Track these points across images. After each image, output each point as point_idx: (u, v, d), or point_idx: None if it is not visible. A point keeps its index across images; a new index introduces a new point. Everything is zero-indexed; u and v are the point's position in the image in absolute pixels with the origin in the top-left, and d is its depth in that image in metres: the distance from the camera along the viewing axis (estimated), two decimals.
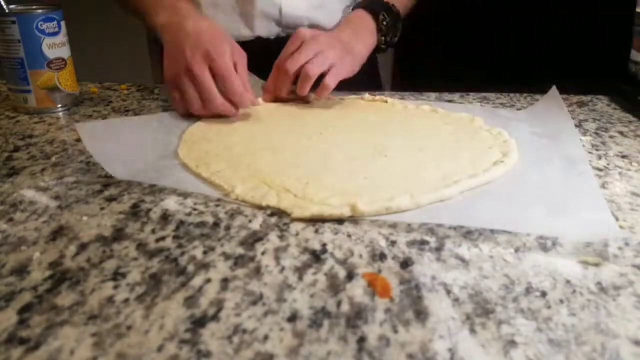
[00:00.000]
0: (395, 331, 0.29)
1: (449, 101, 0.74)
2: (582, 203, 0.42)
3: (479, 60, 0.87)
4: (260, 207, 0.43)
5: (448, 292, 0.33)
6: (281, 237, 0.39)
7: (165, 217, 0.41)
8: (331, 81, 0.65)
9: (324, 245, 0.38)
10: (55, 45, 0.66)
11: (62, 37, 0.66)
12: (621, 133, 0.62)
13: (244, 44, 0.66)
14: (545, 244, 0.38)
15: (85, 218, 0.41)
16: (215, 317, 0.30)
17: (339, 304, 0.32)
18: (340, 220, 0.41)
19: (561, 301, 0.32)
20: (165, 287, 0.33)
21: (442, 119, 0.64)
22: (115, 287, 0.33)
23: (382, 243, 0.38)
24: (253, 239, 0.38)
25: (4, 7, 0.63)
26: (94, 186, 0.47)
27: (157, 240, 0.38)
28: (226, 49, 0.60)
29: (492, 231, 0.39)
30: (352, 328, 0.30)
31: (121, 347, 0.28)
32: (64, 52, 0.67)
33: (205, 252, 0.37)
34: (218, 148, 0.54)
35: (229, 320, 0.30)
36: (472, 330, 0.29)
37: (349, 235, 0.39)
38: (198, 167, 0.49)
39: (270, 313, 0.31)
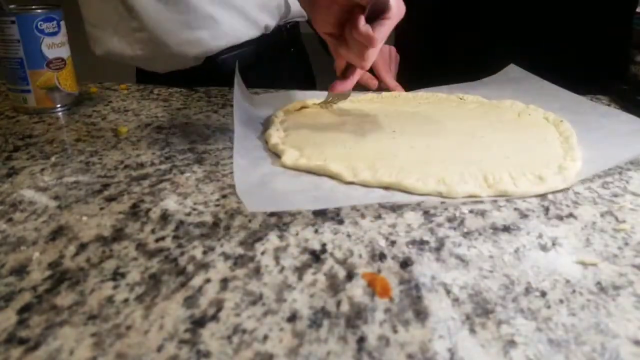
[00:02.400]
0: (395, 331, 0.29)
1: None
2: None
3: (474, 55, 0.87)
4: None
5: (448, 292, 0.33)
6: (281, 237, 0.39)
7: (165, 217, 0.41)
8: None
9: (323, 245, 0.38)
10: (55, 45, 0.66)
11: (61, 37, 0.66)
12: None
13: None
14: (545, 244, 0.38)
15: (84, 218, 0.41)
16: (215, 317, 0.30)
17: (338, 304, 0.32)
18: (340, 220, 0.41)
19: (561, 301, 0.32)
20: (165, 287, 0.33)
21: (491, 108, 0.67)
22: (115, 287, 0.33)
23: (382, 243, 0.38)
24: (253, 239, 0.38)
25: (4, 7, 0.63)
26: (94, 186, 0.47)
27: (157, 240, 0.38)
28: None
29: (492, 231, 0.39)
30: (351, 328, 0.30)
31: (121, 347, 0.28)
32: (64, 52, 0.67)
33: (205, 252, 0.37)
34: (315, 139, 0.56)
35: (229, 320, 0.30)
36: (472, 330, 0.29)
37: (348, 235, 0.39)
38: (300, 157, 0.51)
39: (270, 313, 0.31)
